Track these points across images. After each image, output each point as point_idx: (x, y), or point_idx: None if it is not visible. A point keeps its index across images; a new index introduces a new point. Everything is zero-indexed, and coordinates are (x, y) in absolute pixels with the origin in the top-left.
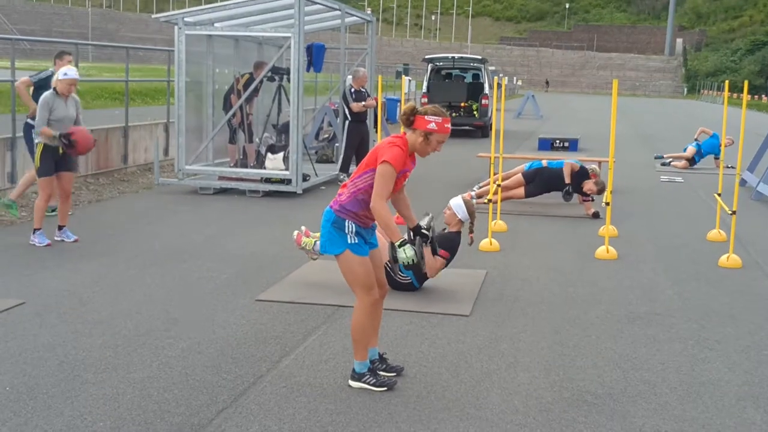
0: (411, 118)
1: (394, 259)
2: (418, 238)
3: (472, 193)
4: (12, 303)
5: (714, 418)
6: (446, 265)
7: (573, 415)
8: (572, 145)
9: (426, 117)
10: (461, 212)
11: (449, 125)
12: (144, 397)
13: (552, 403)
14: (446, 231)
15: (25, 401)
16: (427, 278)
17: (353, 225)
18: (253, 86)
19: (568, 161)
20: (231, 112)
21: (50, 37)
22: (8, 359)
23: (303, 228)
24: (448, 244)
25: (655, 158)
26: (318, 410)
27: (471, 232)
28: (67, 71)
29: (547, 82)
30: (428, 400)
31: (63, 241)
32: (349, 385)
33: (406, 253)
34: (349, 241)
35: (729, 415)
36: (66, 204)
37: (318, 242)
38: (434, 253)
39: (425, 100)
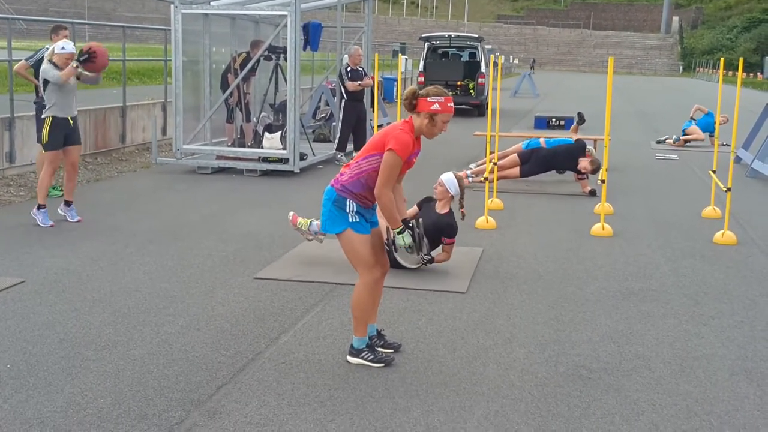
0: (414, 102)
1: (394, 245)
2: (414, 226)
3: (468, 172)
4: (12, 282)
5: (707, 392)
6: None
7: (568, 390)
8: (568, 124)
9: (428, 99)
10: (453, 187)
11: (452, 104)
12: (144, 373)
13: (547, 378)
14: (439, 215)
15: (26, 378)
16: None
17: (354, 204)
18: (250, 65)
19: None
20: (228, 92)
21: (46, 17)
22: (9, 337)
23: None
24: (450, 231)
25: (674, 141)
26: (316, 386)
27: (462, 206)
28: (64, 45)
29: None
30: (425, 376)
31: (66, 220)
32: (347, 361)
33: (405, 240)
34: (350, 220)
35: (722, 389)
36: (73, 178)
37: (313, 222)
38: (419, 251)
39: (422, 78)
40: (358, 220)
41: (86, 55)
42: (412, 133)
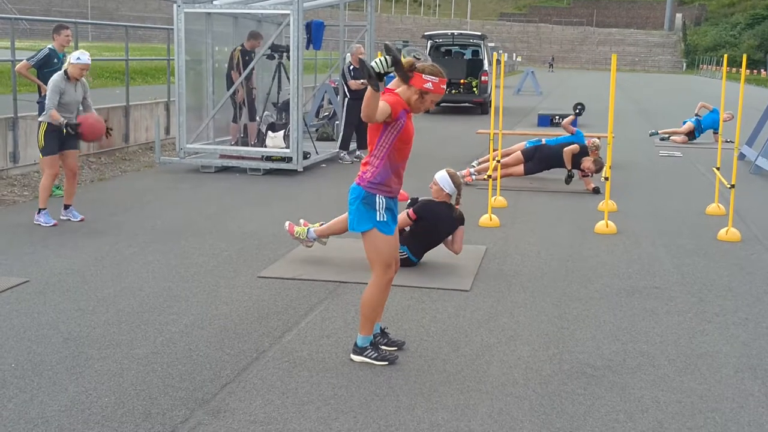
0: (409, 74)
1: (369, 74)
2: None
3: (472, 170)
4: (16, 281)
5: (712, 390)
6: (427, 234)
7: (572, 388)
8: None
9: (424, 76)
10: (448, 186)
11: (445, 86)
12: (148, 372)
13: (551, 376)
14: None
15: (30, 378)
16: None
17: (383, 200)
18: (254, 63)
19: (566, 149)
20: (231, 90)
21: (49, 17)
22: (13, 337)
23: (301, 221)
24: (421, 208)
25: (651, 135)
26: (320, 384)
27: (457, 204)
28: (80, 56)
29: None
30: (429, 374)
31: (69, 220)
32: (351, 359)
33: (383, 60)
34: (378, 219)
35: (727, 387)
36: (73, 183)
37: (310, 229)
38: (397, 65)
39: None
40: (385, 219)
41: (73, 131)
42: (398, 96)
